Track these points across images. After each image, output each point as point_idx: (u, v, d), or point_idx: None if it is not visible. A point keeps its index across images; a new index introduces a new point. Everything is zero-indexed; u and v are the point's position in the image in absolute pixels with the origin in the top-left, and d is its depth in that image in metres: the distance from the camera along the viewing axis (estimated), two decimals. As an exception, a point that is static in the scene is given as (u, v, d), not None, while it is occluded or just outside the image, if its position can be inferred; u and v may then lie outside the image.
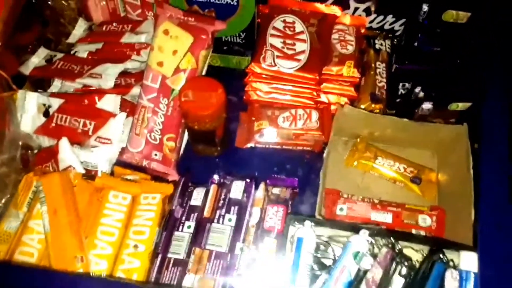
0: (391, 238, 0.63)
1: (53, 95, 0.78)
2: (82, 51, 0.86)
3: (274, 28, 0.82)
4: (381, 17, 0.85)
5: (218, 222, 0.70)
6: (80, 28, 0.90)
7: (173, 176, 0.79)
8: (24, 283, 0.57)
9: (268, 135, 0.82)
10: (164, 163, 0.78)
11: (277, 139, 0.83)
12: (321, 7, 0.85)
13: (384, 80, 0.81)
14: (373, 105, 0.80)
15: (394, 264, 0.61)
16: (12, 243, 0.68)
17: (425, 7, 0.72)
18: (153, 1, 0.86)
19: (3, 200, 0.64)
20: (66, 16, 0.88)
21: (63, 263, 0.64)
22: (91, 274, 0.64)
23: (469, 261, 0.60)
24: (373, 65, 0.84)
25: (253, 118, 0.83)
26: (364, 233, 0.62)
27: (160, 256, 0.68)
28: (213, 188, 0.74)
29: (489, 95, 0.63)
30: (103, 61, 0.81)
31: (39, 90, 0.81)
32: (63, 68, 0.81)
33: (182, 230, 0.70)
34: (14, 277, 0.58)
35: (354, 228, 0.63)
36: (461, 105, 0.73)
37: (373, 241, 0.63)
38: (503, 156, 0.61)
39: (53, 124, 0.77)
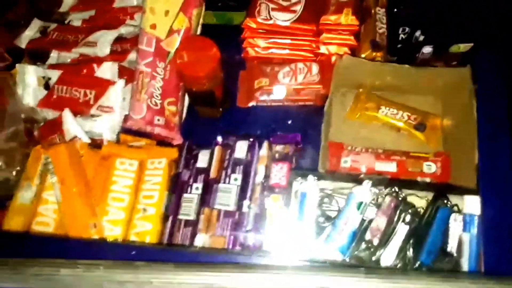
0: (394, 186, 0.63)
1: (51, 67, 0.78)
2: (76, 20, 0.85)
3: (268, -22, 0.79)
4: (379, -42, 0.81)
5: (224, 182, 0.71)
6: (71, -5, 0.88)
7: (177, 140, 0.79)
8: (42, 251, 0.60)
9: (275, 94, 0.82)
10: (167, 128, 0.78)
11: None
12: (315, -47, 0.81)
13: (384, 26, 0.78)
14: (374, 53, 0.78)
15: (398, 212, 0.62)
16: (28, 215, 0.71)
17: None
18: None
19: (14, 173, 0.66)
20: (57, -15, 0.87)
21: (77, 231, 0.67)
22: (105, 239, 0.67)
23: (472, 204, 0.60)
24: (372, 11, 0.81)
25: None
26: (366, 183, 0.63)
27: (171, 218, 0.71)
28: (217, 149, 0.74)
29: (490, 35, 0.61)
30: (97, 29, 0.81)
31: (37, 63, 0.81)
32: (58, 39, 0.81)
33: (190, 192, 0.72)
34: (33, 247, 0.62)
35: (357, 179, 0.64)
36: (463, 47, 0.71)
37: (377, 191, 0.64)
38: (502, 99, 0.60)
39: (55, 96, 0.78)
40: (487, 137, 0.62)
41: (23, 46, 0.82)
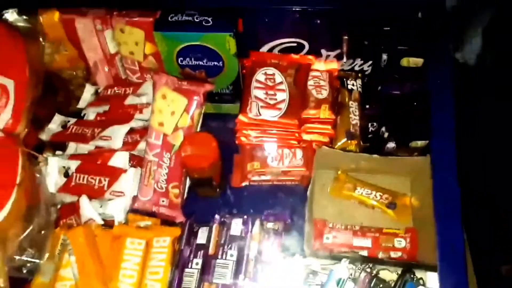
0: (368, 263, 0.74)
1: (71, 157, 0.90)
2: (91, 113, 0.98)
3: (257, 80, 0.93)
4: (350, 61, 0.96)
5: (221, 257, 0.80)
6: (88, 93, 1.02)
7: (180, 218, 0.90)
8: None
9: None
10: (171, 208, 0.89)
11: (267, 177, 0.94)
12: (296, 57, 0.96)
13: (357, 117, 0.92)
14: (349, 141, 0.91)
15: (371, 286, 0.72)
16: (48, 291, 0.80)
17: (384, 56, 0.83)
18: (150, 66, 0.97)
19: (44, 260, 0.75)
20: (74, 83, 1.00)
21: (93, 306, 0.76)
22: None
23: (433, 280, 0.71)
24: (346, 103, 0.95)
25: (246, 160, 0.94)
26: (344, 261, 0.74)
27: (174, 291, 0.80)
28: (215, 227, 0.85)
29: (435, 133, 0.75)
30: (111, 122, 0.93)
31: (57, 153, 0.93)
32: (77, 133, 0.93)
33: (191, 267, 0.81)
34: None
35: (336, 258, 0.75)
36: (420, 143, 0.84)
37: (354, 267, 0.74)
38: (452, 182, 0.73)
39: (73, 183, 0.89)
40: (442, 219, 0.74)
41: (46, 139, 0.94)
